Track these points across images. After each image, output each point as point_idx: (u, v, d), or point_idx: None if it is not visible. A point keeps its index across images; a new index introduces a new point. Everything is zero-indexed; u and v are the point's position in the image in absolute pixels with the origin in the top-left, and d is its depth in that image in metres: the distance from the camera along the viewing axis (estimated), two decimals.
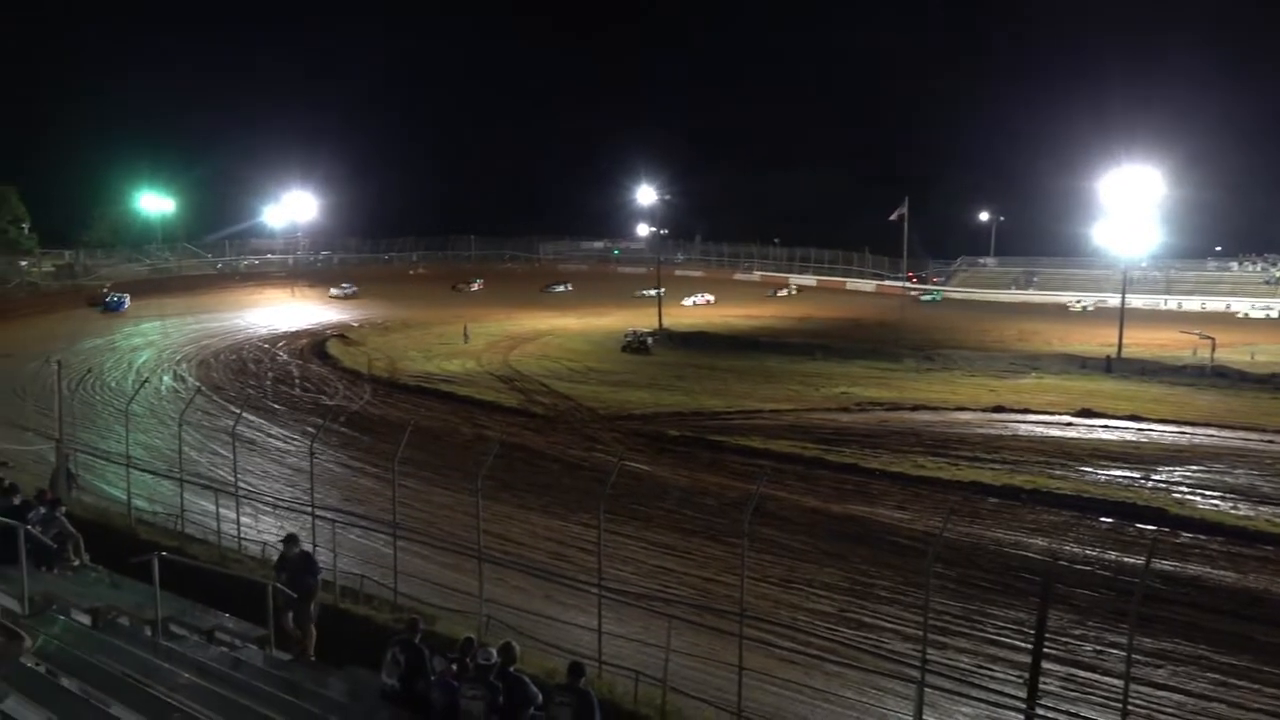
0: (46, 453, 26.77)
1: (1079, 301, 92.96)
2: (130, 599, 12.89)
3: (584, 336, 68.44)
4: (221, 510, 21.79)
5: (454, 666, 10.79)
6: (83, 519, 18.29)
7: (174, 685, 9.09)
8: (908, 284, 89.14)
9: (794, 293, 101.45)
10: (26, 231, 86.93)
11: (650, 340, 63.66)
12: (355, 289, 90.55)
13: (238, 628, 12.97)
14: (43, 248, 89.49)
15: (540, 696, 10.56)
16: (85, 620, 11.40)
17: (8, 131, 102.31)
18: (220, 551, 19.63)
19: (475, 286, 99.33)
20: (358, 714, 10.14)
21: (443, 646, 11.51)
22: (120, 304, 72.88)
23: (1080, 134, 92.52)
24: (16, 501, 15.65)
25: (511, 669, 10.68)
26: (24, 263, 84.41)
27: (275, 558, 20.23)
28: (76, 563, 14.34)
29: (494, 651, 10.68)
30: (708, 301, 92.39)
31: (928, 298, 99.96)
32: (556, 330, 71.46)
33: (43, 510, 14.94)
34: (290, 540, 14.32)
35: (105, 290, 75.51)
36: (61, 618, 11.05)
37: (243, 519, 22.11)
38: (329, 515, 20.67)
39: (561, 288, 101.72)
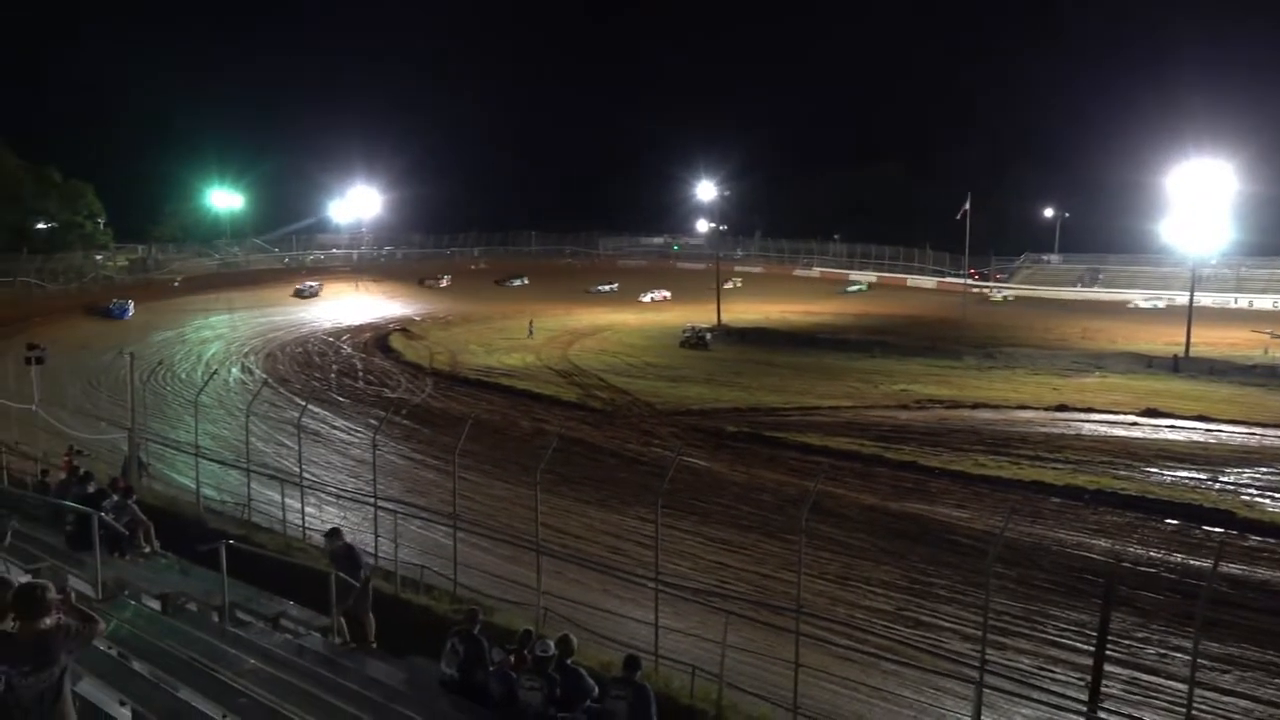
0: (119, 442, 27.39)
1: (998, 291, 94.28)
2: (198, 585, 13.16)
3: (642, 332, 68.58)
4: (287, 500, 22.17)
5: (512, 658, 10.89)
6: (153, 507, 18.68)
7: (240, 670, 9.26)
8: (970, 280, 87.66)
9: (738, 285, 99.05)
10: (102, 227, 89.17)
11: (709, 336, 63.51)
12: (318, 286, 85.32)
13: (301, 615, 13.19)
14: (117, 243, 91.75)
15: (596, 689, 10.60)
16: (155, 605, 11.66)
17: (84, 129, 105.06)
18: (285, 540, 19.96)
19: (444, 282, 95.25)
20: (417, 702, 10.25)
21: (501, 638, 11.61)
22: (124, 312, 65.96)
23: (1148, 129, 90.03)
24: (91, 489, 16.07)
25: (569, 661, 10.74)
26: (99, 257, 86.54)
27: None
28: (147, 549, 14.68)
29: (552, 644, 10.74)
30: (664, 298, 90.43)
31: (854, 288, 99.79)
32: (615, 325, 71.67)
33: (116, 498, 15.31)
34: (332, 534, 14.34)
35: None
36: (133, 603, 11.30)
37: (307, 509, 22.46)
38: (391, 506, 20.92)
39: (518, 282, 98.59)
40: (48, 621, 5.63)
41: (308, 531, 21.26)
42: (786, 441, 34.49)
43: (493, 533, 20.38)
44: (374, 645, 13.08)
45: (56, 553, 13.07)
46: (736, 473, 30.70)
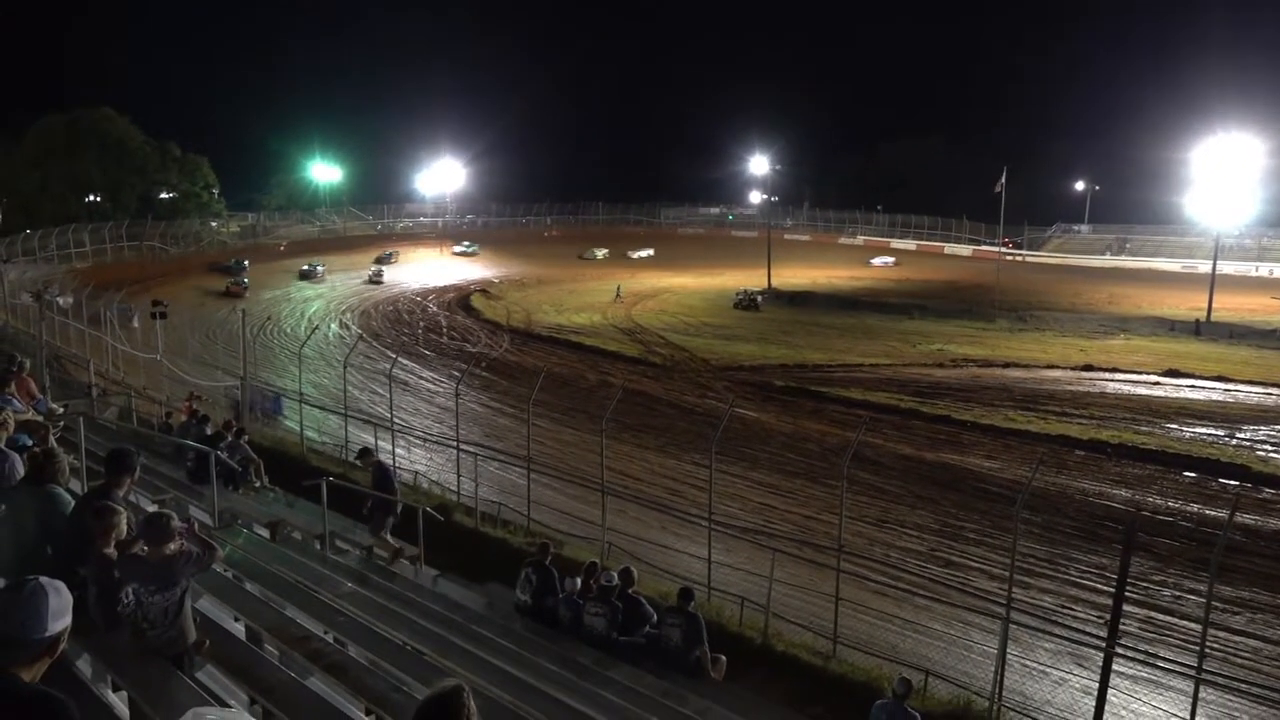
0: (233, 388, 28.01)
1: (640, 251, 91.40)
2: (302, 517, 13.43)
3: (699, 294, 68.15)
4: (380, 442, 22.51)
5: (579, 585, 11.02)
6: (262, 447, 19.09)
7: (339, 593, 9.46)
8: (1003, 249, 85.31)
9: (651, 254, 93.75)
10: (216, 196, 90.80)
11: (760, 298, 62.96)
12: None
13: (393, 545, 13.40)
14: (229, 210, 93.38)
15: (655, 616, 10.71)
16: (265, 534, 11.93)
17: (202, 109, 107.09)
18: None
19: (387, 265, 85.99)
20: (495, 624, 10.42)
21: (569, 568, 11.73)
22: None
23: (1177, 105, 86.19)
24: (209, 431, 16.48)
25: (630, 591, 10.86)
26: (214, 224, 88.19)
27: (422, 484, 20.95)
28: (257, 484, 15.00)
29: (615, 575, 10.87)
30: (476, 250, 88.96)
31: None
32: (675, 288, 71.29)
33: (230, 438, 15.69)
34: (363, 454, 14.20)
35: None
36: (245, 530, 11.58)
37: (397, 450, 22.82)
38: (471, 449, 21.19)
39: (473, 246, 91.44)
40: (172, 547, 5.80)
41: (398, 470, 21.61)
42: (830, 396, 34.27)
43: (562, 474, 20.55)
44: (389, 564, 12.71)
45: (179, 485, 13.43)
46: (784, 423, 30.60)
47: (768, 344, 47.17)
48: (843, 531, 14.21)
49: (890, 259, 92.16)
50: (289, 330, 48.73)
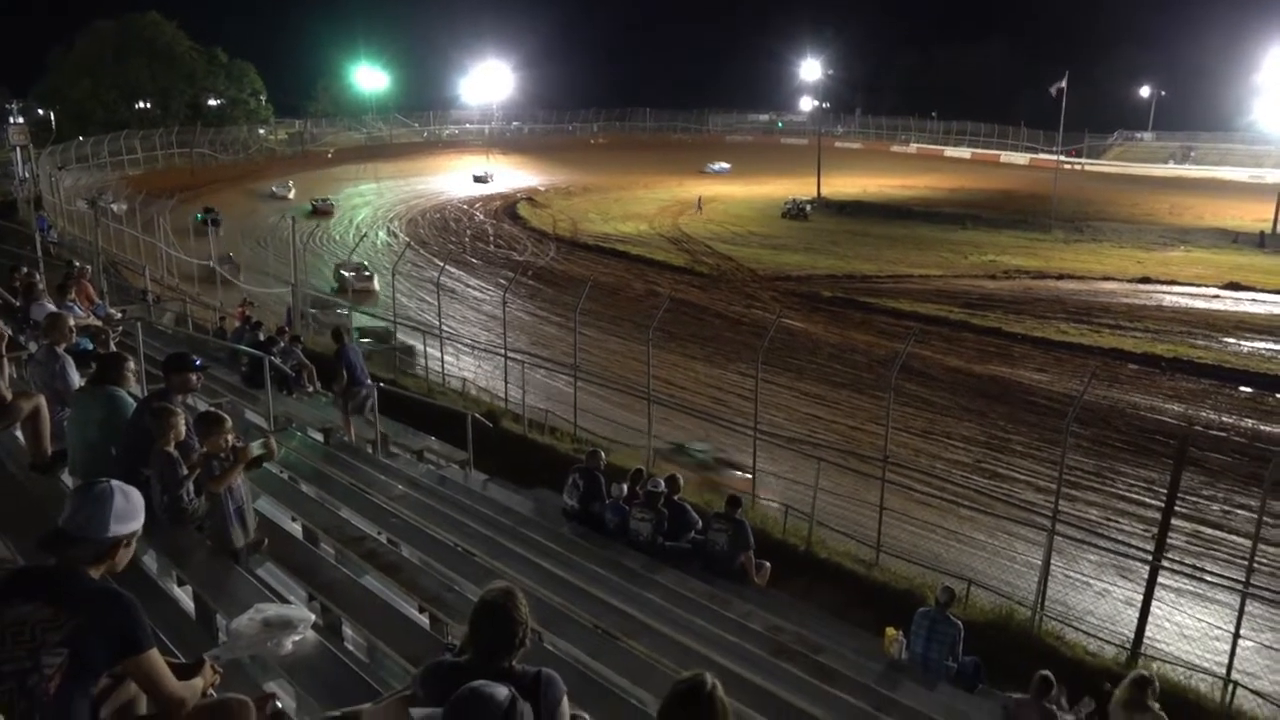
0: (284, 295, 28.34)
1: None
2: (354, 421, 13.66)
3: (748, 203, 67.16)
4: (428, 349, 22.78)
5: (626, 492, 11.17)
6: (314, 353, 19.35)
7: (391, 495, 9.67)
8: (1062, 158, 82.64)
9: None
10: (264, 103, 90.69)
11: (809, 208, 61.94)
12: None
13: (442, 449, 13.64)
14: (276, 118, 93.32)
15: (700, 522, 10.86)
16: (319, 438, 12.15)
17: (246, 13, 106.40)
18: (428, 384, 20.60)
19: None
20: (543, 528, 10.61)
21: (615, 475, 11.87)
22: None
23: (1248, 6, 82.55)
24: (262, 337, 16.74)
25: (676, 497, 10.99)
26: (262, 131, 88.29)
27: (470, 390, 21.20)
28: (310, 389, 15.21)
29: (662, 481, 10.99)
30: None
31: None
32: (722, 197, 70.24)
33: (283, 344, 15.93)
34: (335, 334, 13.36)
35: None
36: (299, 434, 11.81)
37: (446, 358, 23.06)
38: (519, 357, 21.36)
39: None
40: (226, 441, 6.05)
41: (446, 377, 21.90)
42: (878, 306, 33.93)
43: (608, 383, 20.65)
44: (351, 442, 12.22)
45: (234, 390, 13.67)
46: (830, 334, 30.43)
47: (816, 254, 46.59)
48: (888, 442, 14.19)
49: (726, 165, 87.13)
50: (337, 238, 49.01)
